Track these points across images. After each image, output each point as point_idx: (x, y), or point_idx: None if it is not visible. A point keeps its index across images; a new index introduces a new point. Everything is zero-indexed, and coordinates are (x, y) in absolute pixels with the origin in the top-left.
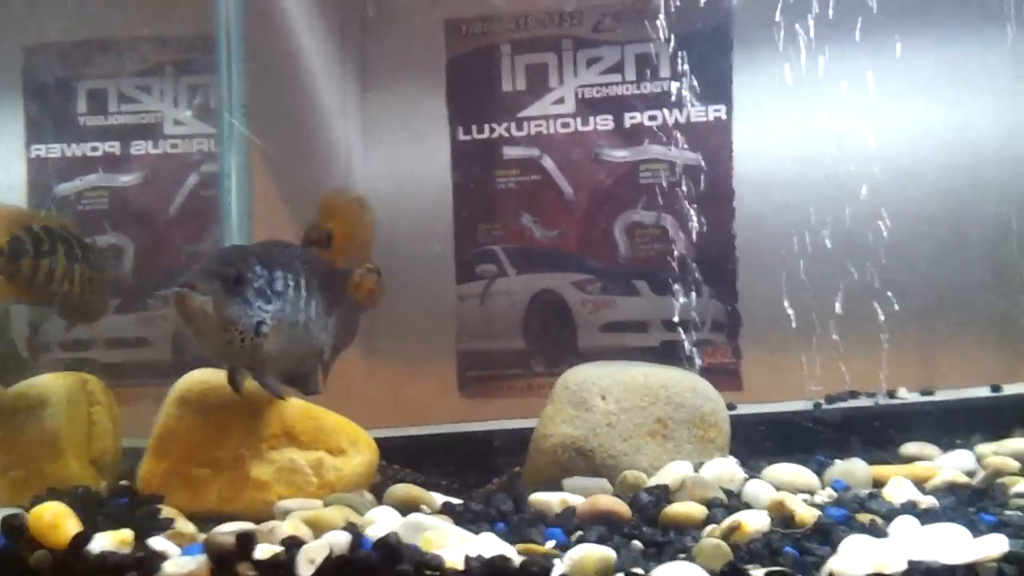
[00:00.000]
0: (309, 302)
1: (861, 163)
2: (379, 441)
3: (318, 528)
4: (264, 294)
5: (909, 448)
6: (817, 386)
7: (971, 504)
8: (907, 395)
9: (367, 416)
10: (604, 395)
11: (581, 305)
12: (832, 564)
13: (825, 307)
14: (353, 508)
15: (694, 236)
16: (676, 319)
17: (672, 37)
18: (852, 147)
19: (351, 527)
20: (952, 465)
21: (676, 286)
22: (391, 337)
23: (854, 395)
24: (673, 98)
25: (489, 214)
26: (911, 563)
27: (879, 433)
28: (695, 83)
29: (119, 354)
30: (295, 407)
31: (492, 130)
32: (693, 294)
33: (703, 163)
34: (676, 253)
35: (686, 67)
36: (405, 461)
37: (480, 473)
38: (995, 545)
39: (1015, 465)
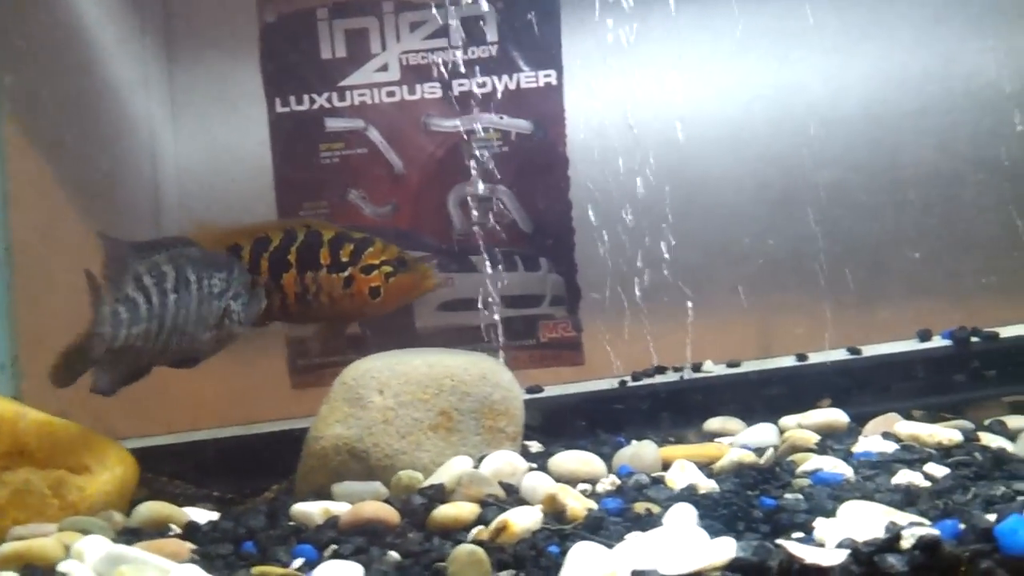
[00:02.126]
0: None
1: (693, 125)
2: (165, 448)
3: (27, 561)
4: None
5: (712, 424)
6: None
7: (754, 487)
8: (713, 368)
9: (194, 416)
10: (382, 389)
11: None
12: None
13: (662, 275)
14: (89, 532)
15: (530, 207)
16: (515, 294)
17: None
18: (684, 109)
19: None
20: (753, 440)
21: (514, 260)
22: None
23: (661, 370)
24: (502, 63)
25: (313, 191)
26: (634, 573)
27: (686, 409)
28: (524, 47)
29: None
30: (32, 421)
31: (312, 101)
32: (532, 267)
33: (536, 131)
34: (512, 225)
35: (514, 30)
36: (192, 468)
37: (267, 479)
38: (721, 551)
39: (813, 439)
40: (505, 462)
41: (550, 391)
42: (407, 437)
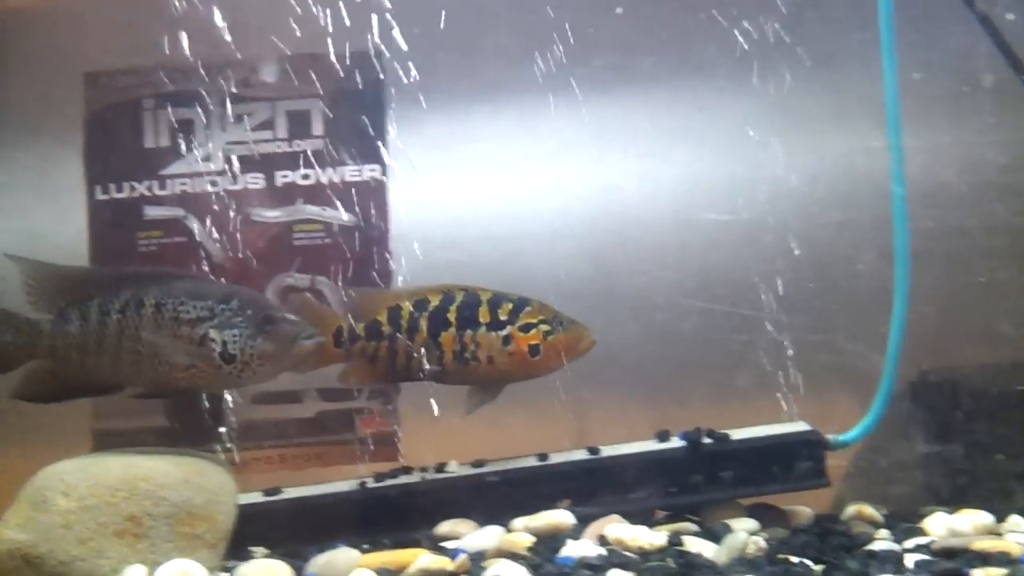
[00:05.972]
0: None
1: (513, 223)
2: None
3: None
4: None
5: (443, 527)
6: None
7: None
8: (456, 469)
9: None
10: (68, 492)
11: None
12: None
13: None
14: None
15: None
16: (332, 386)
17: (325, 94)
18: (505, 207)
19: None
20: (474, 544)
21: None
22: (22, 417)
23: (407, 471)
24: (327, 157)
25: None
26: None
27: (425, 511)
28: (350, 141)
29: None
30: None
31: (133, 189)
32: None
33: (360, 224)
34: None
35: (340, 125)
36: None
37: None
38: None
39: (525, 543)
40: (180, 571)
41: (288, 493)
42: (87, 543)
